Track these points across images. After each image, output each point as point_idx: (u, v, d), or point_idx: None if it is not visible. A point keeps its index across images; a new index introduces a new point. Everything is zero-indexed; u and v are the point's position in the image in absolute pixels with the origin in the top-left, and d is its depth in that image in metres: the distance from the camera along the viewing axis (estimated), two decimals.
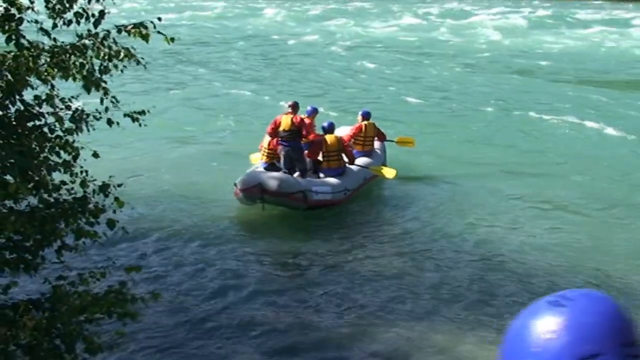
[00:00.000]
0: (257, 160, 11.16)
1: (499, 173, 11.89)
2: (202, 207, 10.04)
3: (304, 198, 9.71)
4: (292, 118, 10.43)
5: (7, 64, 4.19)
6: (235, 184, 9.90)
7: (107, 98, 4.56)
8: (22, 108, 4.43)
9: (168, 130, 13.74)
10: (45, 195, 4.40)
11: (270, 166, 10.54)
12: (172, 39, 4.63)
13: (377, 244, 8.85)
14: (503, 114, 16.51)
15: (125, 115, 4.69)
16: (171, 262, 8.04)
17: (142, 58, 4.58)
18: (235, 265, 8.12)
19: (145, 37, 4.55)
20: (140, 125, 4.77)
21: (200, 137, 14.30)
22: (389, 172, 10.97)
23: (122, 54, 4.47)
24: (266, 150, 10.73)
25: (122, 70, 4.50)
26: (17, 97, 4.39)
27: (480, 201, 10.46)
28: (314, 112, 11.13)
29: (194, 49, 26.71)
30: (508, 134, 14.71)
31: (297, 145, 10.45)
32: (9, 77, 4.20)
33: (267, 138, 10.78)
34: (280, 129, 10.41)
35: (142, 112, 4.82)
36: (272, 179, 9.61)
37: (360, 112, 11.92)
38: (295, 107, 10.65)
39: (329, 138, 10.52)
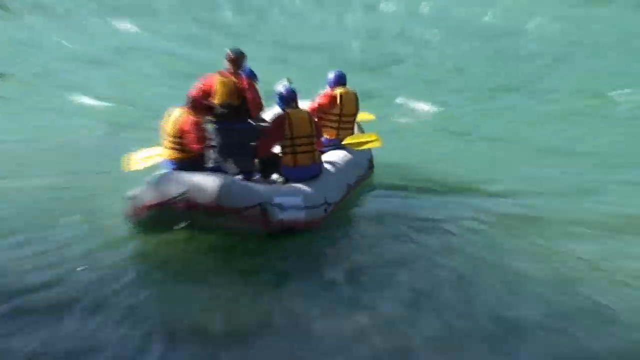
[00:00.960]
0: (148, 159, 6.52)
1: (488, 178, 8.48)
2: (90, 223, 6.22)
3: (263, 215, 5.86)
4: (234, 82, 6.55)
5: None
6: (129, 197, 5.96)
7: None
8: None
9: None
10: None
11: (185, 166, 6.15)
12: None
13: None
14: (486, 97, 13.05)
15: None
16: None
17: None
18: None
19: None
20: None
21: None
22: (377, 142, 7.46)
23: None
24: (171, 138, 6.34)
25: None
26: None
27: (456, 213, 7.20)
28: (251, 75, 7.02)
29: None
30: (495, 122, 11.40)
31: (245, 126, 6.63)
32: None
33: (174, 117, 6.53)
34: (216, 100, 6.51)
35: None
36: (209, 184, 5.68)
37: (331, 74, 7.73)
38: (237, 62, 6.66)
39: (293, 115, 6.56)
